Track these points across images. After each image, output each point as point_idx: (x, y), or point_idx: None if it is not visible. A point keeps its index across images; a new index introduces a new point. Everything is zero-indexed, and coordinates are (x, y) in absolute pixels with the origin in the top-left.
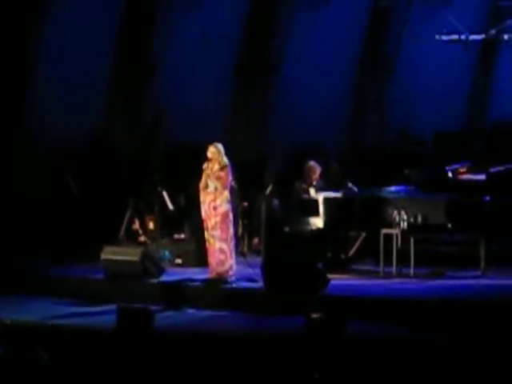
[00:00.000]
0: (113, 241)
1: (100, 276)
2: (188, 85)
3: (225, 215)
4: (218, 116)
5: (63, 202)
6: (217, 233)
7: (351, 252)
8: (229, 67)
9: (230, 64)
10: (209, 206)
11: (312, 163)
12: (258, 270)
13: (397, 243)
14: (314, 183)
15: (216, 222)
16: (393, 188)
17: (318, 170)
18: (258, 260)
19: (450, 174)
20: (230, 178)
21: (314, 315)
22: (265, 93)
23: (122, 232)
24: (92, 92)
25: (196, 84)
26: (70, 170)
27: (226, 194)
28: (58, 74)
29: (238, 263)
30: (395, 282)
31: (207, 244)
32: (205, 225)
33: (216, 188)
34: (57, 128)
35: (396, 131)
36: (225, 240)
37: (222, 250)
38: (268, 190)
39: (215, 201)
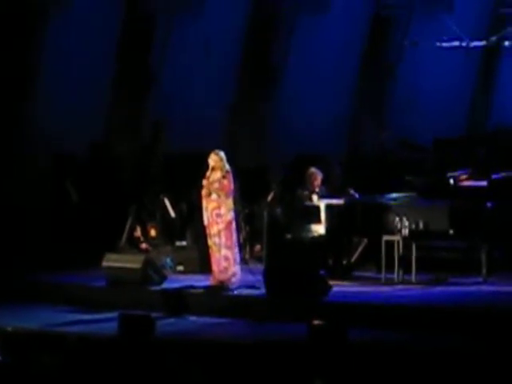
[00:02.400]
0: (114, 248)
1: (102, 283)
2: (189, 94)
3: (229, 223)
4: (220, 124)
5: (64, 210)
6: (221, 240)
7: (353, 259)
8: (230, 76)
9: (231, 73)
10: (211, 213)
11: (313, 170)
12: (259, 277)
13: (398, 250)
14: (316, 190)
15: (219, 230)
16: (394, 195)
17: (319, 176)
18: (260, 267)
19: (451, 181)
20: (232, 185)
21: (316, 322)
22: (266, 101)
23: (124, 239)
24: (92, 103)
25: (197, 93)
26: (70, 178)
27: (230, 201)
28: (58, 86)
29: (240, 270)
30: (397, 288)
31: (210, 250)
32: (207, 231)
33: (219, 196)
34: (57, 139)
35: (396, 140)
36: (229, 247)
37: (226, 257)
38: (270, 197)
39: (219, 208)
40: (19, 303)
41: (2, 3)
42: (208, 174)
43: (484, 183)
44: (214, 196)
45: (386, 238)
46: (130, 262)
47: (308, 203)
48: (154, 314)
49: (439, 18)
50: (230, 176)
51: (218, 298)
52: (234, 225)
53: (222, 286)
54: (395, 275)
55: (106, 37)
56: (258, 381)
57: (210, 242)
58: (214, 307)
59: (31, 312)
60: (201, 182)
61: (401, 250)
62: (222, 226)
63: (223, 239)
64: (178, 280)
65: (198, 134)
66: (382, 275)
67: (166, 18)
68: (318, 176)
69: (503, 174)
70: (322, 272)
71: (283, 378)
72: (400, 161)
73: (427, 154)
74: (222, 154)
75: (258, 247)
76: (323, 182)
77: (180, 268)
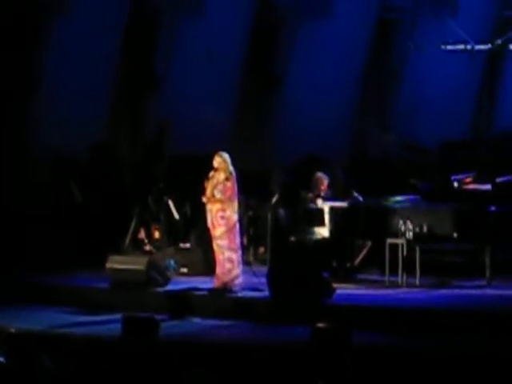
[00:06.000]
0: (118, 250)
1: (105, 285)
2: (192, 97)
3: (233, 225)
4: (223, 127)
5: (67, 210)
6: (224, 242)
7: (357, 261)
8: (233, 79)
9: (235, 76)
10: (216, 215)
11: (320, 174)
12: (263, 279)
13: (402, 253)
14: (322, 194)
15: (223, 232)
16: (398, 198)
17: (325, 181)
18: (264, 269)
19: (455, 184)
20: (236, 187)
21: (320, 325)
22: (269, 104)
23: (128, 241)
24: (95, 104)
25: (200, 96)
26: (73, 178)
27: (234, 204)
28: (61, 86)
29: (243, 272)
30: (401, 291)
31: (215, 253)
32: (211, 233)
33: (223, 198)
34: (60, 140)
35: (400, 144)
36: (233, 249)
37: (229, 259)
38: (274, 200)
39: (224, 211)
40: (22, 305)
41: (4, 4)
42: (211, 175)
43: (488, 187)
44: (217, 198)
45: (389, 240)
46: (133, 263)
47: (312, 206)
48: (157, 316)
49: (444, 21)
50: (234, 178)
51: (222, 300)
52: (237, 227)
53: (225, 288)
54: (399, 278)
55: (110, 38)
56: (261, 383)
57: (213, 244)
58: (217, 309)
59: (34, 313)
60: (204, 183)
61: (405, 253)
62: (225, 228)
63: (227, 241)
64: (181, 282)
65: (201, 136)
66: (386, 278)
67: (170, 21)
68: (324, 181)
69: (507, 177)
70: (325, 274)
71: (286, 381)
72: (404, 164)
73: (431, 156)
74: (226, 156)
75: (261, 249)
76: (329, 186)
77: (184, 270)
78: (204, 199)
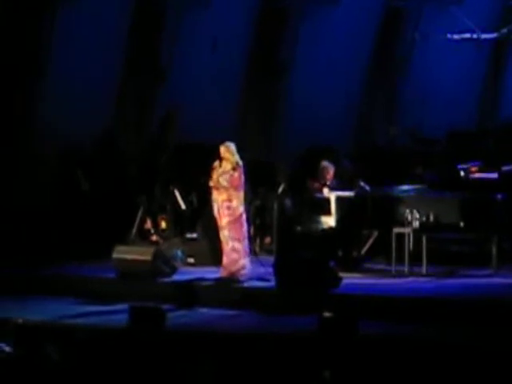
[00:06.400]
0: (124, 240)
1: (112, 275)
2: (198, 86)
3: (239, 216)
4: (229, 117)
5: (74, 201)
6: (231, 232)
7: (363, 251)
8: (238, 69)
9: (240, 65)
10: (222, 205)
11: (326, 163)
12: (270, 269)
13: (409, 242)
14: (328, 183)
15: (228, 222)
16: (405, 187)
17: (331, 170)
18: (270, 259)
19: (462, 173)
20: (243, 178)
21: (326, 314)
22: (275, 93)
23: (134, 231)
24: (101, 95)
25: (206, 86)
26: (79, 166)
27: (241, 195)
28: (67, 76)
29: (250, 262)
30: (407, 280)
31: (221, 242)
32: (217, 223)
33: (228, 188)
34: (66, 129)
35: (406, 133)
36: (238, 239)
37: (234, 249)
38: (280, 190)
39: (230, 201)
40: (29, 295)
41: None
42: (216, 164)
43: (494, 175)
44: (223, 188)
45: (396, 230)
46: (140, 253)
47: (318, 195)
48: (164, 306)
49: (450, 10)
50: (241, 169)
51: (229, 290)
52: (243, 217)
53: (232, 278)
54: (405, 267)
55: (115, 28)
56: (267, 372)
57: (220, 234)
58: (224, 299)
59: (42, 304)
60: (210, 173)
61: (411, 243)
62: (231, 218)
63: (233, 231)
64: (188, 272)
65: (207, 125)
66: (393, 267)
67: (175, 10)
68: (330, 170)
69: None
70: (332, 264)
71: (293, 370)
72: (410, 153)
73: (438, 146)
74: (232, 146)
75: (268, 239)
76: (335, 175)
77: (190, 260)
78: (211, 183)
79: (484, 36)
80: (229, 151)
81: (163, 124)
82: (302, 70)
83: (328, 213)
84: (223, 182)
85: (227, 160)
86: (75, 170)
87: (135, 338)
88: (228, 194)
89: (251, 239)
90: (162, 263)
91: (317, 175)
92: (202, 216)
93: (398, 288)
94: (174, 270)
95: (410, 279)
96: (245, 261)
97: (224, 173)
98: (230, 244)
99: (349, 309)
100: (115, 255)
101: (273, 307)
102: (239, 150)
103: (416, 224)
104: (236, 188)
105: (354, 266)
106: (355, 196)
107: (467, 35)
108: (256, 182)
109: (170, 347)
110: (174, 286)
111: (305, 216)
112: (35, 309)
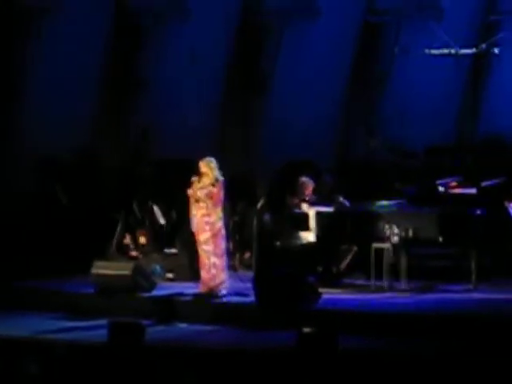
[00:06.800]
0: (103, 255)
1: (91, 290)
2: (177, 100)
3: (218, 231)
4: (208, 131)
5: (52, 215)
6: (209, 248)
7: (342, 266)
8: (218, 82)
9: (220, 79)
10: (201, 220)
11: (304, 179)
12: (249, 285)
13: (388, 257)
14: (307, 198)
15: (208, 238)
16: (384, 202)
17: (310, 185)
18: (250, 274)
19: (440, 188)
20: (222, 193)
21: (306, 329)
22: (255, 107)
23: (113, 246)
24: (80, 108)
25: (185, 99)
26: (58, 181)
27: (219, 210)
28: (45, 89)
29: (229, 278)
30: (386, 295)
31: (199, 258)
32: (196, 238)
33: (207, 203)
34: (44, 142)
35: (386, 147)
36: (217, 255)
37: (214, 265)
38: (259, 205)
39: (209, 216)
40: (7, 310)
41: None
42: (195, 179)
43: (473, 190)
44: (202, 203)
45: (375, 245)
46: (119, 269)
47: (297, 210)
48: (143, 322)
49: (429, 25)
50: (221, 185)
51: (208, 305)
52: (222, 232)
53: (211, 294)
54: (384, 282)
55: (94, 43)
56: None
57: (199, 249)
58: (203, 314)
59: (20, 319)
60: (189, 187)
61: (390, 258)
62: (210, 233)
63: (212, 247)
64: (167, 287)
65: (186, 140)
66: (372, 282)
67: (155, 24)
68: (309, 185)
69: (492, 181)
70: (311, 279)
71: None
72: (389, 168)
73: (417, 160)
74: (213, 161)
75: (247, 254)
76: (314, 190)
77: (169, 275)
78: (190, 197)
79: (463, 51)
80: (208, 166)
81: (139, 139)
82: (282, 84)
83: (307, 228)
84: (202, 196)
85: (206, 175)
86: (54, 184)
87: (115, 353)
88: (207, 208)
89: (230, 254)
90: (142, 278)
91: (296, 190)
92: (180, 231)
93: (377, 303)
94: (153, 286)
95: (389, 294)
96: (224, 276)
97: (202, 188)
98: (212, 259)
99: (328, 324)
100: (94, 270)
101: (252, 322)
102: (218, 165)
103: (395, 239)
104: (214, 203)
105: (334, 282)
106: (334, 211)
107: (446, 50)
108: (235, 196)
109: (149, 362)
110: (153, 301)
111: (284, 231)
112: (14, 323)
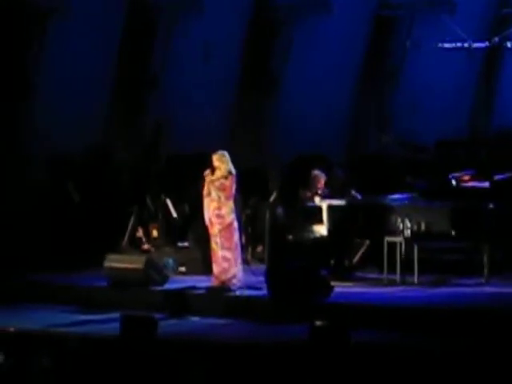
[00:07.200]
0: (116, 249)
1: (103, 284)
2: (189, 96)
3: (229, 224)
4: (220, 126)
5: (65, 210)
6: (220, 241)
7: (355, 260)
8: (230, 79)
9: (232, 75)
10: (213, 213)
11: (317, 172)
12: (261, 278)
13: (400, 251)
14: (319, 192)
15: (219, 230)
16: (396, 196)
17: (322, 178)
18: (262, 268)
19: (453, 182)
20: (234, 187)
21: (318, 323)
22: (267, 102)
23: (126, 240)
24: (93, 104)
25: (197, 95)
26: (70, 178)
27: (231, 203)
28: (58, 87)
29: (241, 271)
30: (399, 289)
31: (212, 251)
32: (209, 231)
33: (219, 196)
34: (57, 141)
35: (398, 142)
36: (228, 248)
37: (225, 258)
38: (272, 198)
39: (220, 209)
40: (21, 304)
41: (2, 6)
42: (207, 172)
43: (486, 184)
44: (214, 196)
45: (388, 239)
46: (131, 262)
47: (310, 204)
48: (156, 315)
49: (441, 19)
50: (233, 178)
51: (220, 298)
52: (234, 226)
53: (223, 287)
54: (397, 276)
55: (107, 39)
56: (259, 381)
57: (211, 243)
58: (215, 308)
59: (33, 313)
60: (201, 182)
61: (403, 251)
62: (221, 226)
63: (222, 240)
64: (179, 281)
65: (198, 135)
66: (384, 276)
67: (167, 20)
68: (321, 178)
69: (505, 175)
70: (323, 273)
71: (285, 379)
72: (402, 162)
73: (429, 154)
74: (226, 155)
75: (259, 248)
76: (326, 183)
77: (182, 269)
78: (203, 190)
79: (475, 45)
80: (221, 160)
81: (153, 134)
82: (293, 80)
83: (320, 221)
84: (214, 189)
85: (219, 168)
86: (66, 182)
87: (127, 347)
88: (218, 202)
89: (243, 248)
90: (154, 272)
91: (308, 184)
92: (193, 225)
93: (389, 297)
94: (165, 279)
95: (402, 288)
96: (236, 270)
97: (215, 181)
98: (221, 253)
99: (340, 317)
100: (107, 264)
101: (264, 316)
102: (231, 159)
103: (407, 233)
104: (226, 197)
105: (346, 275)
106: (347, 205)
107: (459, 44)
108: (248, 190)
109: (161, 356)
110: (165, 294)
111: (296, 225)
112: (27, 317)
